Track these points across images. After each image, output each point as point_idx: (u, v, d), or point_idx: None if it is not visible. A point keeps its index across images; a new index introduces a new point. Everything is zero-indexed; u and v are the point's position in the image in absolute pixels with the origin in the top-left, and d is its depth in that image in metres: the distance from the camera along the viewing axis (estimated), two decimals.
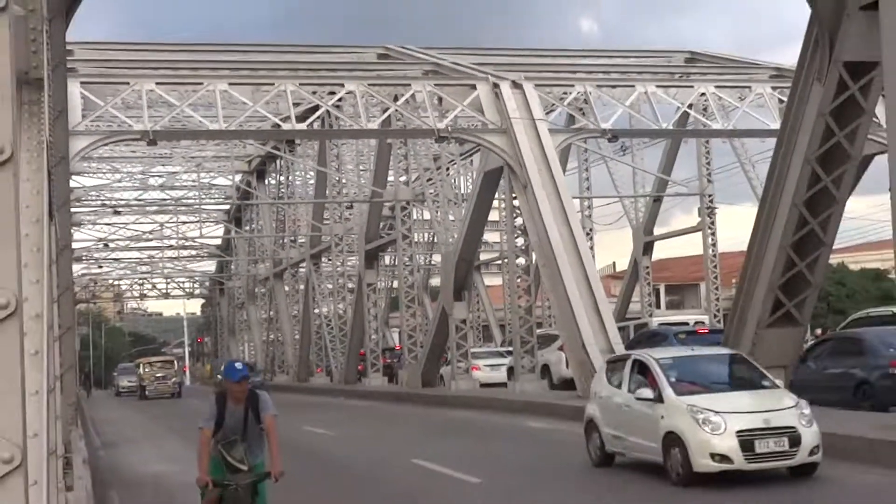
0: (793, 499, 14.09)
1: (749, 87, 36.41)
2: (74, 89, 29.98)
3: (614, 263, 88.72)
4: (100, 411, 50.49)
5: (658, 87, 36.15)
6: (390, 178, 47.79)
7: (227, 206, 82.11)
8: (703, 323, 40.73)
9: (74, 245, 67.31)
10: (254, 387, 10.60)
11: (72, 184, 53.75)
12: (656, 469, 15.75)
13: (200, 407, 39.65)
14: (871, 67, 19.11)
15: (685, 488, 14.74)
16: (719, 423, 14.82)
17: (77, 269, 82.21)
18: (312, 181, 60.28)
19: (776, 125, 29.48)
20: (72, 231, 46.93)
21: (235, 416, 10.29)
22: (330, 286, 60.41)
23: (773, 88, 35.87)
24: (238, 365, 10.46)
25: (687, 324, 38.67)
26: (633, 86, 36.08)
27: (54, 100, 17.10)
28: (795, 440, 14.90)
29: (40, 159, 7.48)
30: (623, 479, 16.44)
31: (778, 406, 15.42)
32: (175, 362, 71.89)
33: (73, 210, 60.89)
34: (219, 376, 47.24)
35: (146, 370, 64.68)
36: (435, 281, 63.40)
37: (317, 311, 60.90)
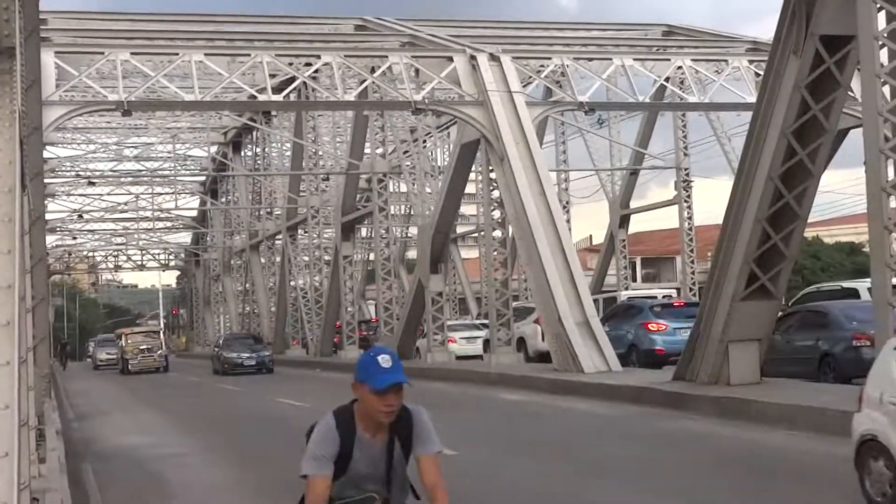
0: None
1: (726, 61, 36.45)
2: (48, 59, 29.74)
3: (591, 236, 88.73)
4: (78, 384, 49.93)
5: (635, 60, 36.14)
6: (367, 151, 47.67)
7: (203, 178, 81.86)
8: (670, 296, 40.85)
9: (48, 216, 67.19)
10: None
11: (46, 154, 53.43)
12: None
13: (181, 381, 37.65)
14: (846, 41, 19.12)
15: None
16: None
17: (51, 240, 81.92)
18: (289, 153, 60.07)
19: (752, 99, 29.50)
20: (45, 202, 46.69)
21: (372, 453, 6.18)
22: (306, 258, 60.30)
23: (750, 62, 35.91)
24: (385, 358, 6.31)
25: (655, 297, 38.77)
26: (610, 59, 36.05)
27: (27, 69, 16.99)
28: None
29: (12, 129, 7.43)
30: None
31: None
32: (161, 333, 66.06)
33: (46, 181, 60.53)
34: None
35: (129, 342, 57.47)
36: (411, 253, 63.39)
37: (293, 283, 60.78)
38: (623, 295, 39.96)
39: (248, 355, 48.69)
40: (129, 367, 54.75)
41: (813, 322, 24.68)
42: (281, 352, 61.15)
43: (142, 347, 56.25)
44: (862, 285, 30.36)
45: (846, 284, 31.73)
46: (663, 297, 39.96)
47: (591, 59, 36.57)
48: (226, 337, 58.76)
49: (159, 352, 56.99)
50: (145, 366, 55.15)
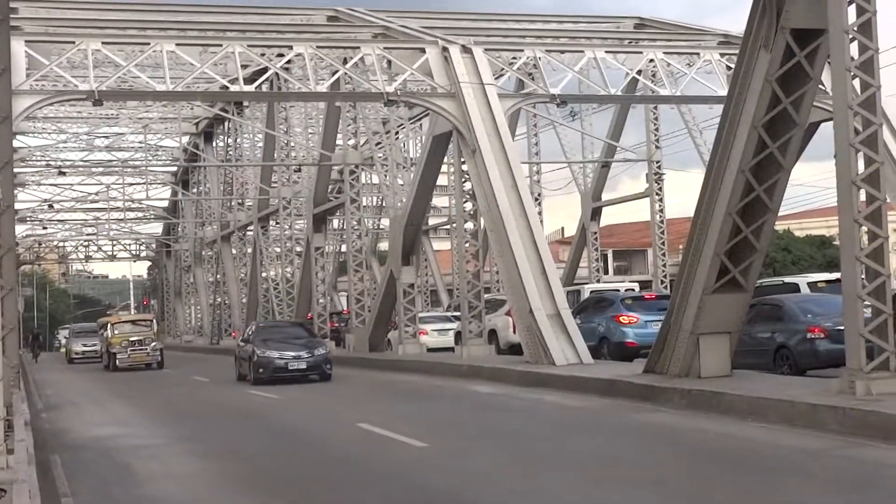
0: None
1: (697, 54, 36.53)
2: (18, 47, 29.58)
3: (562, 229, 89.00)
4: (55, 379, 48.86)
5: (607, 52, 36.18)
6: (339, 142, 47.57)
7: (175, 168, 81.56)
8: (633, 289, 40.95)
9: (18, 206, 66.82)
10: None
11: (15, 143, 53.16)
12: None
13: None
14: (817, 35, 19.18)
15: None
16: None
17: (21, 229, 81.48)
18: (261, 144, 59.97)
19: (724, 92, 29.59)
20: (15, 191, 46.40)
21: None
22: (278, 249, 60.19)
23: (721, 55, 36.01)
24: None
25: (618, 290, 38.87)
26: (582, 51, 36.07)
27: None
28: None
29: None
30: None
31: None
32: (154, 321, 54.23)
33: (16, 170, 60.30)
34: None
35: (116, 333, 48.44)
36: (383, 245, 63.46)
37: (264, 274, 60.66)
38: (585, 289, 40.07)
39: (296, 354, 32.98)
40: (117, 362, 46.40)
41: (769, 315, 25.08)
42: None
43: (132, 339, 47.37)
44: (802, 280, 30.95)
45: (788, 279, 32.25)
46: (626, 290, 40.02)
47: (563, 52, 36.61)
48: (260, 326, 38.36)
49: (152, 344, 47.77)
50: (136, 361, 46.58)
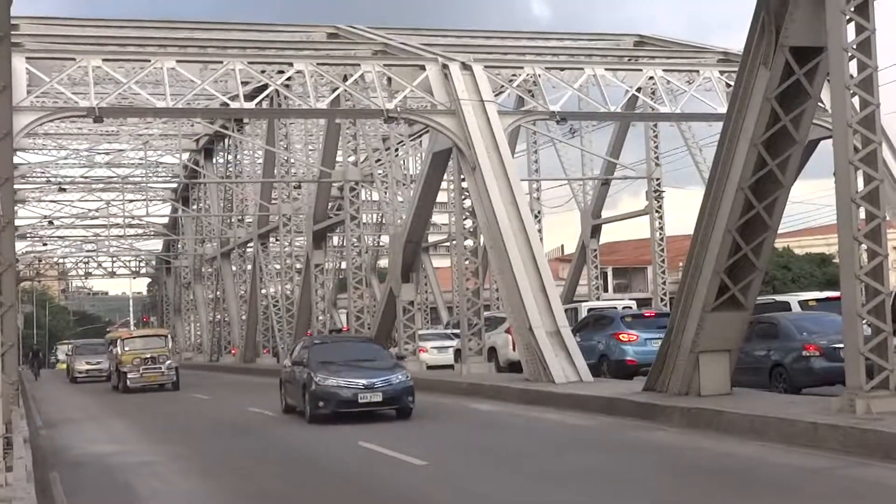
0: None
1: (697, 72, 36.56)
2: (19, 64, 29.62)
3: (562, 246, 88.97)
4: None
5: (607, 70, 36.19)
6: (339, 159, 47.62)
7: (175, 185, 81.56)
8: (630, 307, 40.95)
9: (18, 222, 66.79)
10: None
11: (16, 160, 53.25)
12: None
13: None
14: (816, 53, 19.21)
15: None
16: None
17: (21, 246, 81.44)
18: (261, 160, 59.99)
19: (723, 109, 29.61)
20: (15, 208, 46.44)
21: None
22: (277, 266, 60.18)
23: (721, 73, 36.05)
24: None
25: (615, 308, 38.89)
26: (582, 69, 36.09)
27: None
28: None
29: None
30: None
31: None
32: (168, 337, 50.15)
33: (17, 186, 60.26)
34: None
35: (127, 349, 43.87)
36: (383, 262, 63.37)
37: (264, 291, 60.63)
38: (584, 307, 40.07)
39: (368, 382, 24.50)
40: (128, 382, 42.12)
41: (764, 332, 25.12)
42: (251, 360, 60.98)
43: (145, 357, 42.88)
44: (793, 299, 31.05)
45: (779, 298, 32.34)
46: (623, 308, 40.05)
47: (562, 69, 36.63)
48: (317, 343, 28.16)
49: (167, 363, 43.28)
50: (149, 381, 42.47)
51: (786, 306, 29.74)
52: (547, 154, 56.87)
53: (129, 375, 42.44)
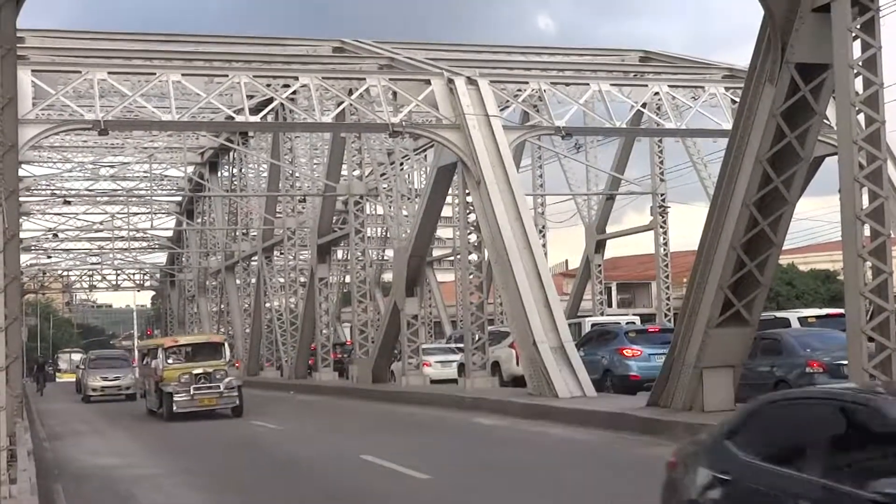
0: None
1: (702, 87, 36.57)
2: (25, 77, 29.67)
3: (567, 261, 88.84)
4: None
5: (612, 85, 36.22)
6: (344, 172, 47.62)
7: (179, 198, 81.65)
8: (634, 322, 40.93)
9: (23, 235, 66.84)
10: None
11: (21, 172, 53.28)
12: None
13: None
14: (822, 69, 19.23)
15: None
16: None
17: (25, 259, 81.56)
18: (265, 174, 59.97)
19: (728, 125, 29.61)
20: (20, 220, 46.49)
21: None
22: (282, 280, 60.13)
23: (726, 89, 36.04)
24: None
25: (619, 323, 38.86)
26: (587, 84, 36.11)
27: (4, 87, 16.98)
28: None
29: None
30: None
31: None
32: (226, 346, 36.85)
33: (22, 199, 60.36)
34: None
35: (171, 362, 34.25)
36: (387, 276, 63.35)
37: (268, 304, 60.60)
38: (588, 322, 40.06)
39: None
40: (175, 406, 32.33)
41: (767, 349, 25.07)
42: (255, 373, 60.93)
43: (196, 372, 32.85)
44: (793, 315, 31.04)
45: (779, 314, 32.33)
46: (627, 323, 40.05)
47: (568, 84, 36.65)
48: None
49: (227, 380, 33.04)
50: (203, 405, 32.57)
51: (785, 323, 29.74)
52: (552, 169, 56.96)
53: (177, 397, 32.35)
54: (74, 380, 63.82)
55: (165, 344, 35.87)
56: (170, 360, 34.15)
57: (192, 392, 32.37)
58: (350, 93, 34.41)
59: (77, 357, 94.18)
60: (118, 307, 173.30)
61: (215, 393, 32.59)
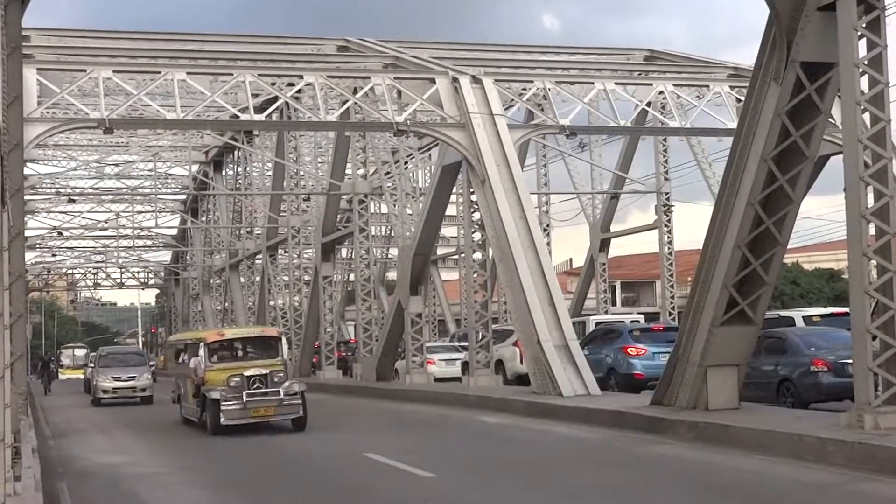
0: None
1: (707, 86, 36.53)
2: (30, 75, 29.67)
3: (571, 260, 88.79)
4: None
5: (617, 84, 36.18)
6: (348, 171, 47.61)
7: (184, 197, 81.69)
8: (638, 321, 40.93)
9: (28, 233, 66.92)
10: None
11: (26, 171, 53.34)
12: None
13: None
14: (827, 68, 19.22)
15: None
16: None
17: (30, 257, 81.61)
18: (270, 172, 59.99)
19: (733, 124, 29.60)
20: (25, 218, 46.53)
21: None
22: (286, 278, 60.16)
23: (731, 88, 36.00)
24: None
25: (623, 322, 38.86)
26: (592, 83, 36.07)
27: (9, 85, 16.99)
28: None
29: None
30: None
31: None
32: (282, 340, 29.11)
33: (27, 197, 60.42)
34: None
35: (215, 360, 27.58)
36: (391, 275, 63.34)
37: (272, 303, 60.63)
38: (592, 320, 40.05)
39: None
40: (223, 417, 25.69)
41: (772, 347, 25.10)
42: None
43: (249, 375, 26.08)
44: (798, 314, 31.05)
45: (784, 313, 32.34)
46: (632, 321, 40.07)
47: (573, 83, 36.62)
48: None
49: (286, 384, 26.38)
50: (259, 416, 25.97)
51: (790, 322, 29.75)
52: (556, 168, 57.06)
53: (226, 406, 25.53)
54: (81, 377, 62.77)
55: (208, 338, 28.15)
56: (213, 359, 27.35)
57: (244, 400, 25.59)
58: (355, 91, 34.40)
59: (80, 352, 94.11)
60: (122, 305, 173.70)
61: (273, 400, 25.84)
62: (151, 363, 49.13)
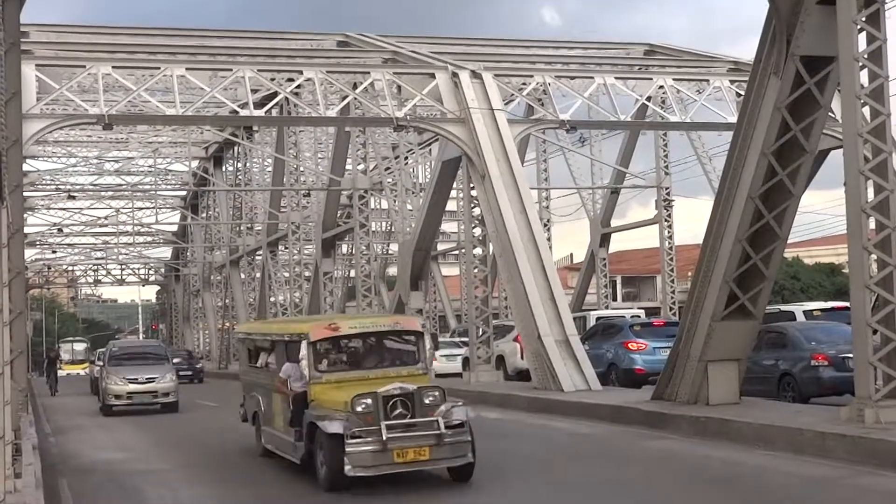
0: None
1: (707, 81, 36.52)
2: (29, 71, 29.65)
3: (571, 255, 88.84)
4: None
5: (617, 78, 36.15)
6: (348, 167, 47.61)
7: (184, 193, 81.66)
8: (639, 316, 40.90)
9: (28, 230, 66.95)
10: None
11: (25, 167, 53.30)
12: None
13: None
14: (827, 62, 19.20)
15: None
16: None
17: (30, 254, 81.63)
18: (270, 168, 59.98)
19: (733, 118, 29.59)
20: (25, 215, 46.48)
21: None
22: (286, 274, 60.15)
23: (731, 82, 36.00)
24: None
25: (623, 317, 38.80)
26: (591, 77, 36.06)
27: (8, 81, 16.95)
28: None
29: None
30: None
31: None
32: (427, 338, 17.41)
33: (26, 194, 60.44)
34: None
35: (327, 369, 16.81)
36: (392, 270, 63.34)
37: (273, 299, 60.61)
38: (593, 315, 40.01)
39: None
40: (350, 464, 15.19)
41: (773, 342, 25.08)
42: None
43: (386, 394, 15.44)
44: (798, 308, 31.04)
45: (784, 308, 32.32)
46: (632, 316, 40.02)
47: (572, 78, 36.60)
48: None
49: (442, 408, 15.66)
50: (407, 462, 15.32)
51: (791, 316, 29.73)
52: (556, 163, 56.88)
53: (353, 446, 15.23)
54: (81, 373, 61.35)
55: (314, 333, 17.01)
56: (322, 365, 16.95)
57: (384, 437, 15.23)
58: (354, 87, 34.38)
59: (80, 347, 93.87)
60: (123, 302, 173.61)
61: (430, 437, 15.43)
62: (176, 359, 43.70)
